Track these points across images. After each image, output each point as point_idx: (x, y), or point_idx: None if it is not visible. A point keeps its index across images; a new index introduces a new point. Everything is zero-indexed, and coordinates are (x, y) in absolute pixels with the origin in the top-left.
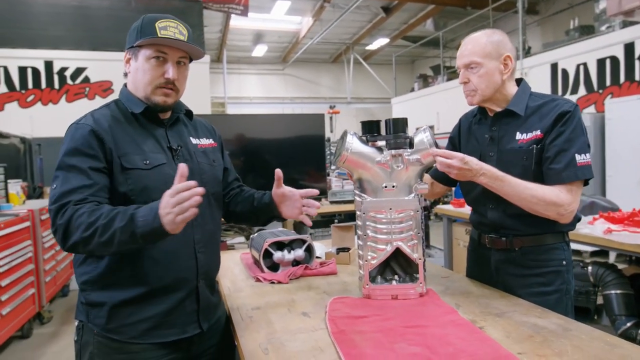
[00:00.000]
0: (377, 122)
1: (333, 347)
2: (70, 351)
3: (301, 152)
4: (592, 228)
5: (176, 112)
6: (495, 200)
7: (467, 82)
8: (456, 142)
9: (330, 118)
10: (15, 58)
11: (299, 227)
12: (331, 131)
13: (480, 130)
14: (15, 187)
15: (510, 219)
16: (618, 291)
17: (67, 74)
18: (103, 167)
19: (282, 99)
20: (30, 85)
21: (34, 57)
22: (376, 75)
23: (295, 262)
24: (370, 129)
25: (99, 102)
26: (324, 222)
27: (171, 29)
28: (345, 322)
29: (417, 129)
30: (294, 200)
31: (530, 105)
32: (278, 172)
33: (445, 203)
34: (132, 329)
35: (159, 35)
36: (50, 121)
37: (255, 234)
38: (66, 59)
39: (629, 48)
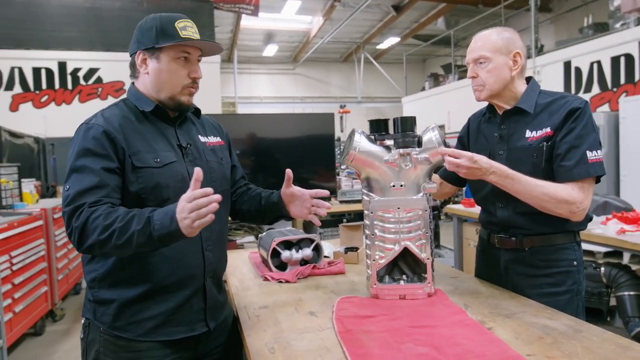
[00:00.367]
0: (385, 121)
1: (340, 347)
2: None
3: (311, 152)
4: (605, 228)
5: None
6: (505, 198)
7: (476, 77)
8: (465, 141)
9: (341, 118)
10: (30, 59)
11: (308, 226)
12: (341, 131)
13: (490, 129)
14: (29, 186)
15: (520, 217)
16: (631, 292)
17: (80, 74)
18: (115, 167)
19: (293, 99)
20: (44, 85)
21: (48, 58)
22: (387, 74)
23: (303, 262)
24: (378, 128)
25: (111, 102)
26: (333, 221)
27: (189, 28)
28: (352, 322)
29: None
30: (303, 200)
31: (540, 103)
32: (288, 172)
33: (455, 203)
34: (139, 326)
35: (182, 36)
36: (63, 121)
37: (264, 233)
38: (79, 59)
39: None
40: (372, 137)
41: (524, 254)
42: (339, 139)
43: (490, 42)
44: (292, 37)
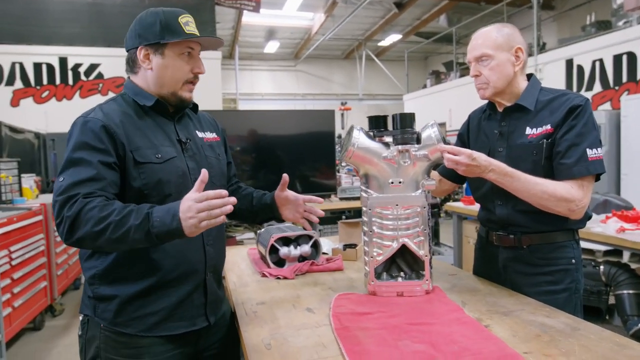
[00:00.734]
0: (384, 117)
1: (336, 344)
2: None
3: (312, 149)
4: (605, 227)
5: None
6: (504, 196)
7: (479, 75)
8: (465, 138)
9: (342, 115)
10: (31, 54)
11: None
12: (342, 128)
13: (490, 126)
14: (29, 181)
15: (519, 215)
16: (630, 291)
17: (81, 70)
18: (113, 162)
19: (294, 96)
20: (45, 81)
21: (49, 54)
22: (388, 71)
23: (302, 258)
24: (377, 124)
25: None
26: (332, 218)
27: (191, 24)
28: (349, 319)
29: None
30: (296, 205)
31: (541, 100)
32: (285, 177)
33: (455, 200)
34: (141, 322)
35: (186, 32)
36: (64, 117)
37: (263, 230)
38: (80, 55)
39: None
40: (371, 133)
41: (522, 252)
42: (339, 136)
43: (491, 39)
44: (294, 34)
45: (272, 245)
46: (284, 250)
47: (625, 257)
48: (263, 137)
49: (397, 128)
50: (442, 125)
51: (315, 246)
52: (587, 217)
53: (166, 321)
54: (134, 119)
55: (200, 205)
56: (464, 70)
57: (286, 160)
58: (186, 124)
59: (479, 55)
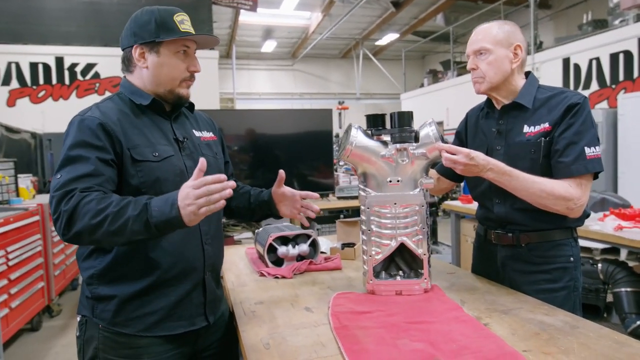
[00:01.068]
0: (382, 116)
1: (335, 343)
2: None
3: (309, 148)
4: (603, 225)
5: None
6: (502, 195)
7: (476, 69)
8: (463, 136)
9: (340, 114)
10: (27, 54)
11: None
12: (340, 127)
13: (488, 124)
14: (26, 181)
15: (517, 213)
16: (628, 289)
17: (78, 69)
18: (111, 159)
19: (292, 95)
20: (41, 81)
21: (45, 53)
22: (386, 70)
23: (300, 257)
24: (375, 123)
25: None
26: (330, 217)
27: (186, 22)
28: (348, 318)
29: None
30: (293, 201)
31: (539, 98)
32: (281, 173)
33: (453, 199)
34: (141, 322)
35: (181, 30)
36: (60, 116)
37: (261, 229)
38: (77, 54)
39: None
40: (369, 132)
41: (520, 250)
42: (337, 136)
43: (491, 34)
44: (291, 33)
45: (270, 245)
46: (282, 250)
47: (623, 254)
48: (261, 137)
49: (395, 126)
50: (439, 124)
51: (314, 245)
52: (586, 215)
53: (165, 321)
54: (131, 118)
55: (198, 191)
56: (462, 69)
57: (284, 159)
58: (183, 122)
59: (477, 48)
